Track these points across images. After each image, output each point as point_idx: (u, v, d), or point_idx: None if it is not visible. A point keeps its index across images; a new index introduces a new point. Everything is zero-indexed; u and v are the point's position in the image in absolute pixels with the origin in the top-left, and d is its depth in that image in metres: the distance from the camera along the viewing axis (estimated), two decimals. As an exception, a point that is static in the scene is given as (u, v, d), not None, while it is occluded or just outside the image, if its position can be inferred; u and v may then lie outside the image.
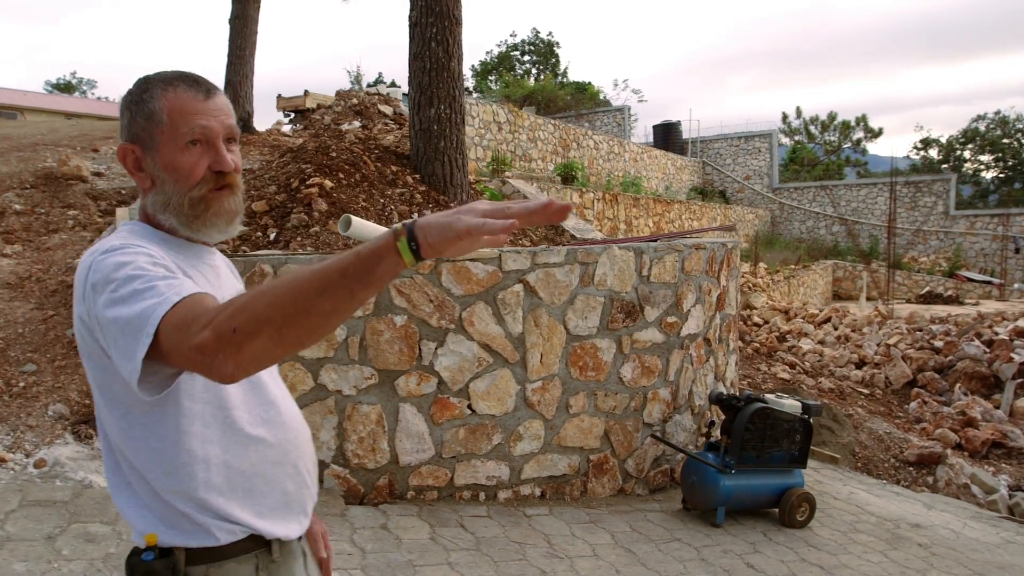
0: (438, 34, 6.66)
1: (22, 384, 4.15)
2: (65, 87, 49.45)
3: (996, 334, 9.38)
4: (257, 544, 1.22)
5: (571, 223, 9.76)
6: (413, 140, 6.92)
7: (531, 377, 4.19)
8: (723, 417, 4.48)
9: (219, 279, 1.31)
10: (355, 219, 4.11)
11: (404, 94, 20.24)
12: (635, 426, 4.56)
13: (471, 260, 4.01)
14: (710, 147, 28.04)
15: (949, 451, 6.52)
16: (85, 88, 51.01)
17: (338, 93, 14.51)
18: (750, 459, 4.28)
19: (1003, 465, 6.80)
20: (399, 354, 3.94)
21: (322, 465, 3.92)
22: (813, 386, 8.01)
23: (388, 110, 14.00)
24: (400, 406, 3.96)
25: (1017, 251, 21.37)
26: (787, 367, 8.70)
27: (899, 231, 23.94)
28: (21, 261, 5.60)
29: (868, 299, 18.18)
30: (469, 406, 4.07)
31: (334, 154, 6.32)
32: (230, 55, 13.01)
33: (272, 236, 5.31)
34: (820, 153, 33.40)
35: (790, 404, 4.53)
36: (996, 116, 29.68)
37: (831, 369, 9.31)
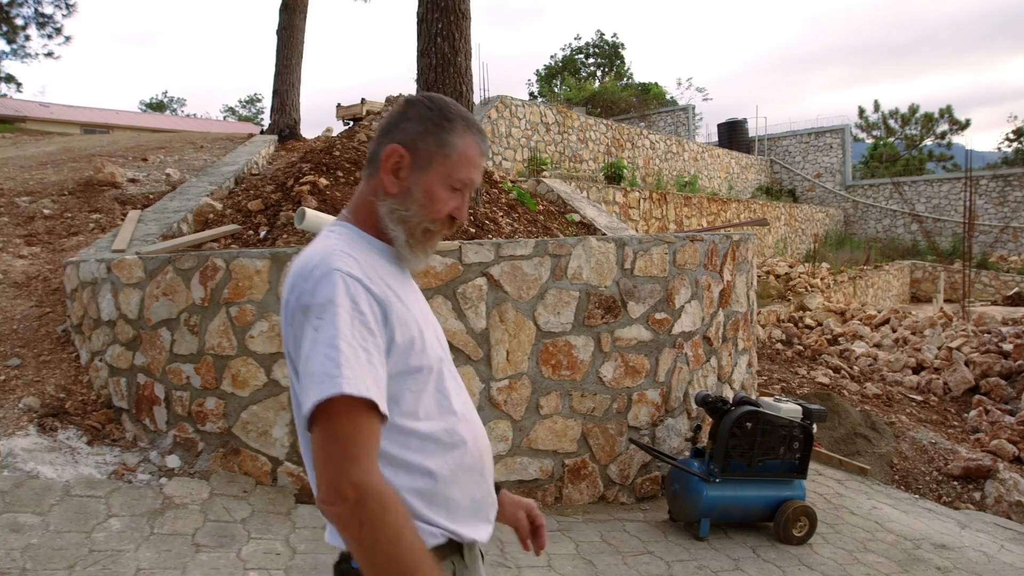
0: (444, 29, 6.53)
1: (3, 377, 4.24)
2: (157, 106, 52.38)
3: (1074, 337, 8.49)
4: (451, 548, 1.27)
5: (604, 222, 9.47)
6: (421, 137, 6.81)
7: (496, 375, 3.98)
8: (710, 421, 4.14)
9: (416, 296, 1.36)
10: (309, 212, 4.02)
11: (483, 103, 20.43)
12: (618, 429, 4.27)
13: (429, 252, 3.84)
14: (778, 144, 26.95)
15: (1002, 465, 5.88)
16: (176, 106, 53.90)
17: (387, 99, 14.67)
18: (738, 467, 3.92)
19: (1068, 481, 6.08)
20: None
21: (274, 462, 3.83)
22: (856, 391, 7.43)
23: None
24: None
25: (1121, 248, 19.48)
26: (831, 371, 8.12)
27: (985, 228, 22.30)
28: (35, 262, 5.79)
29: (947, 301, 16.97)
30: (429, 405, 3.89)
31: (337, 153, 6.28)
32: (277, 65, 13.35)
33: (262, 234, 5.29)
34: (901, 148, 31.60)
35: (788, 408, 4.14)
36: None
37: (883, 374, 8.64)
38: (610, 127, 17.98)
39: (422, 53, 6.71)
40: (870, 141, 32.84)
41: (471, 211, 6.29)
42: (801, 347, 8.92)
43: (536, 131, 15.48)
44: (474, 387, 3.92)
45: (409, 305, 1.26)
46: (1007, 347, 8.65)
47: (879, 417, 6.55)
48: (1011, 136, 29.24)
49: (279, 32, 13.30)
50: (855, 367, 8.77)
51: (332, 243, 1.23)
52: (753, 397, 4.89)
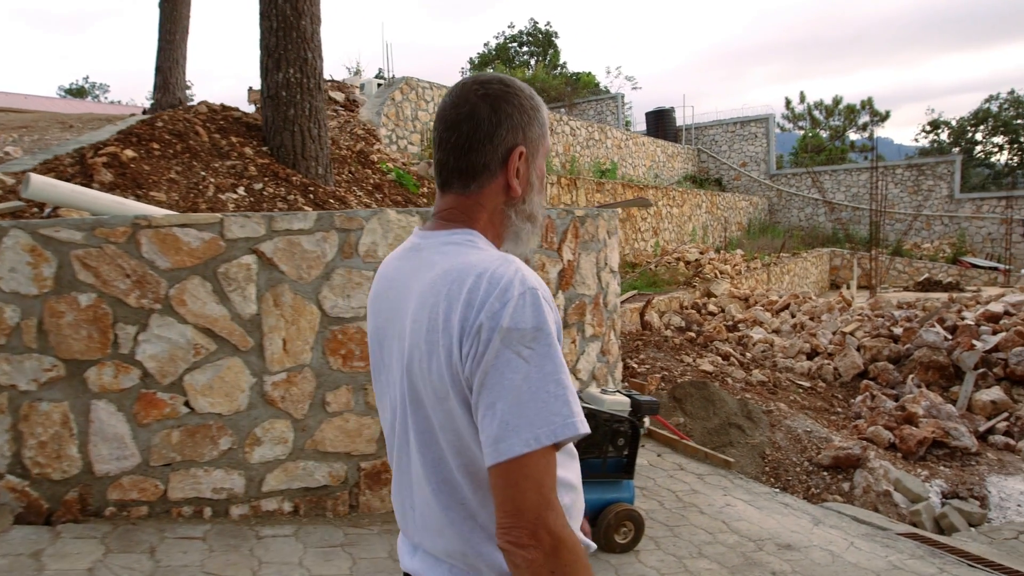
0: (285, -12, 5.92)
1: None
2: (78, 92, 49.76)
3: (963, 319, 8.39)
4: None
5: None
6: (263, 109, 6.20)
7: (271, 368, 3.42)
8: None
9: None
10: (36, 179, 3.38)
11: (380, 83, 19.59)
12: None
13: (181, 226, 3.26)
14: (705, 134, 26.97)
15: (873, 453, 5.61)
16: (98, 92, 51.29)
17: None
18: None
19: (941, 468, 5.88)
20: (87, 340, 3.19)
21: (-12, 479, 3.20)
22: (741, 379, 7.13)
23: (340, 96, 13.38)
24: (92, 403, 3.21)
25: (1025, 235, 20.06)
26: (720, 358, 7.82)
27: (901, 216, 22.71)
28: None
29: (863, 287, 17.12)
30: (186, 403, 3.31)
31: (160, 124, 5.61)
32: (160, 40, 12.39)
33: (47, 212, 4.60)
34: (829, 140, 32.07)
35: (614, 401, 3.70)
36: (1010, 96, 28.13)
37: (775, 360, 8.40)
38: (527, 112, 17.51)
39: (263, 15, 6.08)
40: (799, 132, 33.28)
41: (311, 190, 5.72)
42: (694, 334, 8.61)
43: (446, 115, 14.88)
44: (243, 382, 3.37)
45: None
46: (898, 331, 8.51)
47: (756, 406, 6.23)
48: (927, 128, 29.96)
49: (161, 5, 12.37)
50: (748, 354, 8.51)
51: (500, 254, 1.13)
52: (593, 388, 4.45)
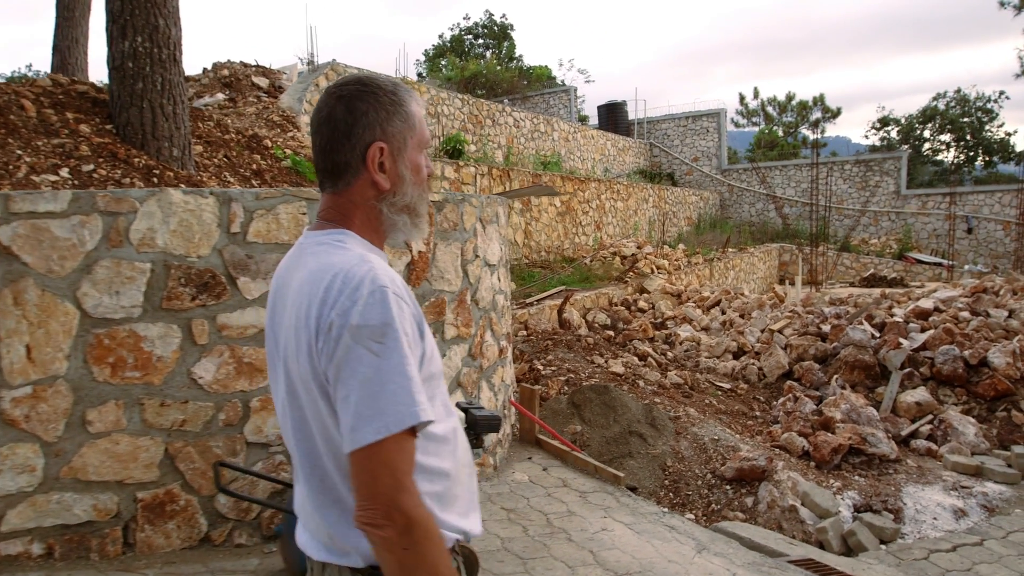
0: (131, -57, 5.23)
1: None
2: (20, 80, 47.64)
3: (892, 316, 8.03)
4: (453, 550, 1.25)
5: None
6: (109, 82, 5.50)
7: (12, 381, 2.79)
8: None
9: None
10: None
11: (311, 70, 18.75)
12: (228, 448, 3.16)
13: None
14: (657, 128, 26.64)
15: (780, 464, 5.15)
16: (42, 81, 49.15)
17: (214, 65, 13.11)
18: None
19: (856, 478, 5.45)
20: None
21: None
22: (655, 381, 6.64)
23: (264, 82, 12.68)
24: None
25: (969, 231, 20.09)
26: (637, 358, 7.33)
27: (848, 211, 22.64)
28: None
29: (811, 283, 16.89)
30: None
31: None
32: (58, 17, 11.53)
33: None
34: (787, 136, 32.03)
35: (448, 414, 3.13)
36: (956, 95, 28.34)
37: (698, 360, 7.95)
38: (466, 102, 16.91)
39: (109, -26, 5.39)
40: (754, 130, 33.21)
41: (156, 174, 5.05)
42: (613, 333, 8.11)
43: (377, 103, 14.21)
44: (-31, 400, 2.72)
45: (418, 307, 1.23)
46: (827, 329, 8.12)
47: (663, 412, 5.74)
48: (877, 125, 30.08)
49: (60, -21, 11.48)
50: (671, 353, 8.04)
51: (359, 254, 1.18)
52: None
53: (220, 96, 11.91)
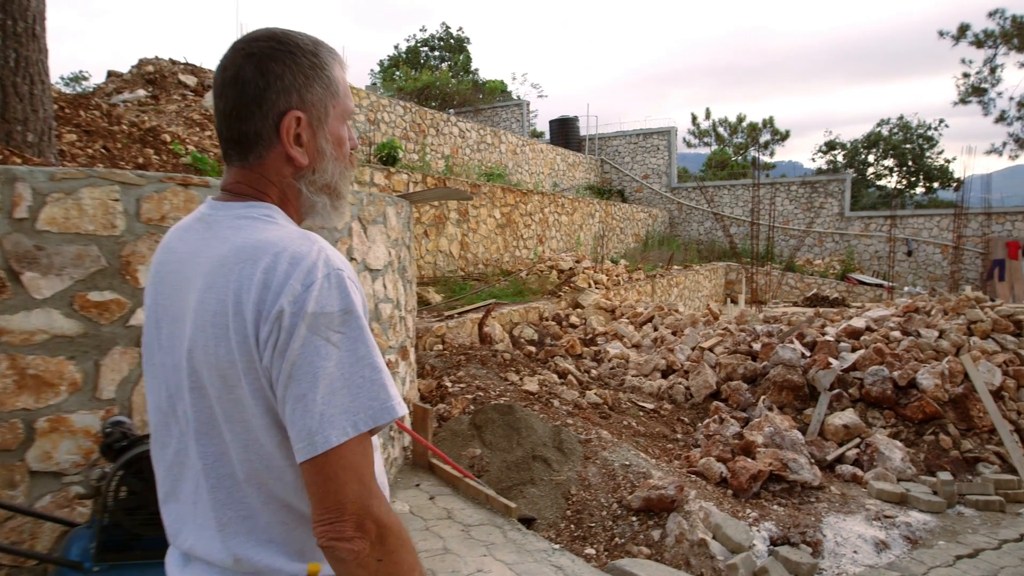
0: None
1: None
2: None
3: (824, 335, 7.78)
4: None
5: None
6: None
7: None
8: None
9: None
10: None
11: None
12: (4, 479, 2.60)
13: None
14: (608, 144, 26.56)
15: (693, 493, 4.74)
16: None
17: (140, 61, 12.45)
18: (132, 544, 2.34)
19: (775, 507, 5.08)
20: None
21: None
22: (571, 401, 6.21)
23: (192, 80, 12.07)
24: None
25: (909, 253, 20.34)
26: (557, 376, 6.90)
27: (794, 232, 22.78)
28: None
29: (756, 302, 16.79)
30: None
31: None
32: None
33: None
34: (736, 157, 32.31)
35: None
36: (899, 122, 28.97)
37: (624, 378, 7.56)
38: (408, 110, 16.47)
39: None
40: (706, 151, 33.45)
41: (21, 163, 4.44)
42: (534, 349, 7.68)
43: (312, 106, 13.66)
44: None
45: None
46: (758, 347, 7.82)
47: (572, 434, 5.30)
48: (824, 149, 30.58)
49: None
50: (595, 371, 7.64)
51: (299, 231, 1.04)
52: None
53: (141, 92, 11.28)
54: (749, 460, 5.31)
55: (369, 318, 3.17)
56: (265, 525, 1.03)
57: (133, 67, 12.47)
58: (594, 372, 7.52)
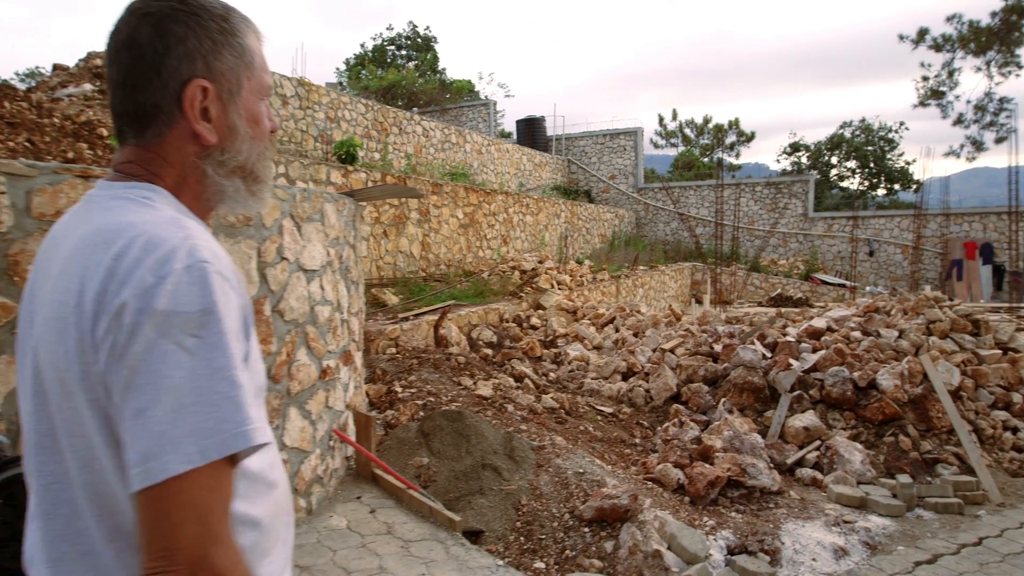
0: None
1: None
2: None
3: (785, 336, 7.69)
4: None
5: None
6: None
7: None
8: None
9: None
10: None
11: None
12: None
13: None
14: (575, 145, 26.47)
15: (648, 502, 4.57)
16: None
17: (88, 55, 11.97)
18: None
19: (732, 514, 4.93)
20: None
21: None
22: (526, 406, 6.01)
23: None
24: None
25: (871, 254, 20.56)
26: (513, 379, 6.69)
27: (759, 232, 22.91)
28: None
29: (722, 302, 16.79)
30: None
31: None
32: None
33: None
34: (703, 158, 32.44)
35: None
36: (861, 124, 29.39)
37: (583, 381, 7.38)
38: (370, 108, 16.15)
39: None
40: (672, 151, 33.54)
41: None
42: (491, 351, 7.47)
43: (269, 103, 13.30)
44: None
45: (248, 299, 0.94)
46: (719, 348, 7.70)
47: (524, 441, 5.09)
48: (788, 150, 30.89)
49: None
50: (554, 374, 7.45)
51: (171, 215, 0.89)
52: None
53: (87, 87, 10.81)
54: (707, 466, 5.15)
55: (301, 322, 2.87)
56: (107, 567, 0.86)
57: (81, 60, 12.02)
58: (553, 375, 7.33)
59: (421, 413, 5.40)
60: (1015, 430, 6.67)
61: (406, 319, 7.82)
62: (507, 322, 9.30)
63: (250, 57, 0.99)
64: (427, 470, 4.72)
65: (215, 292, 0.83)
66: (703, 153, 30.92)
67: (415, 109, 23.28)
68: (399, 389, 5.83)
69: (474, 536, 4.17)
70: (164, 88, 0.93)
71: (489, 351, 7.42)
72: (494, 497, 4.58)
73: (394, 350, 7.01)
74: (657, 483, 5.14)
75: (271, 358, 3.59)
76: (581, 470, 4.90)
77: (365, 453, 4.37)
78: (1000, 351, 7.35)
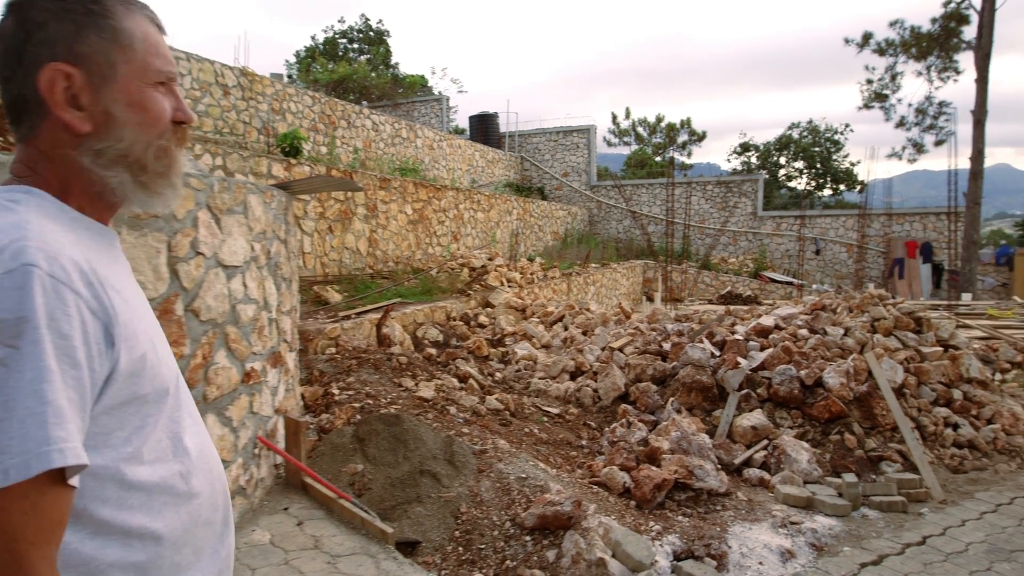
0: None
1: None
2: None
3: (734, 333, 7.64)
4: None
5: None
6: None
7: None
8: None
9: (134, 285, 1.03)
10: None
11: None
12: None
13: None
14: (528, 142, 26.35)
15: (592, 508, 4.40)
16: None
17: None
18: None
19: (679, 518, 4.80)
20: None
21: None
22: (469, 408, 5.80)
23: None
24: None
25: (817, 252, 20.93)
26: (457, 380, 6.47)
27: (710, 231, 23.14)
28: None
29: (674, 300, 16.85)
30: None
31: None
32: None
33: None
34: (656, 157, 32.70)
35: None
36: (808, 125, 30.01)
37: (530, 381, 7.21)
38: (317, 100, 15.71)
39: None
40: (626, 150, 33.72)
41: None
42: (435, 351, 7.24)
43: (209, 93, 12.79)
44: None
45: (133, 304, 0.93)
46: (668, 347, 7.62)
47: (465, 445, 4.88)
48: (738, 150, 31.34)
49: None
50: (499, 374, 7.26)
51: (20, 219, 0.84)
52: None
53: None
54: (654, 468, 5.02)
55: (220, 322, 2.60)
56: None
57: None
58: (499, 375, 7.14)
59: (358, 416, 5.14)
60: (955, 426, 6.74)
61: (348, 318, 7.53)
62: (454, 320, 9.07)
63: (127, 39, 0.94)
64: (362, 478, 4.47)
65: (35, 298, 0.78)
66: (655, 152, 31.15)
67: (365, 103, 22.80)
68: (336, 391, 5.56)
69: (410, 547, 3.95)
70: (26, 77, 0.90)
71: (433, 351, 7.18)
72: (432, 505, 4.36)
73: (334, 350, 6.72)
74: (603, 487, 4.99)
75: (184, 361, 3.30)
76: (524, 475, 4.71)
77: (293, 461, 4.10)
78: (942, 348, 7.44)
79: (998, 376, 8.77)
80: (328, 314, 7.78)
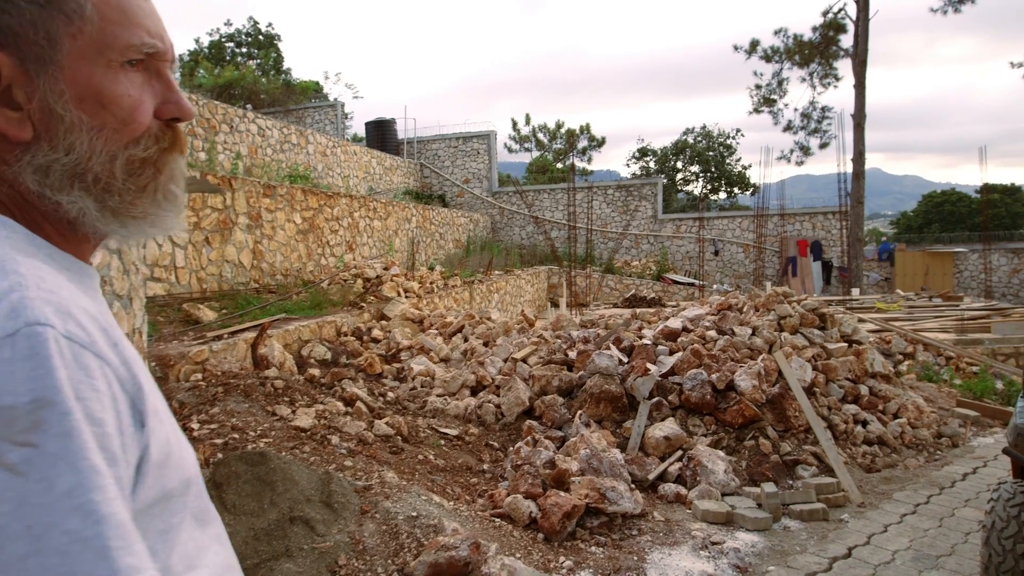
0: None
1: None
2: None
3: (641, 338, 7.28)
4: None
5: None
6: None
7: None
8: None
9: (116, 326, 0.72)
10: None
11: None
12: None
13: None
14: (428, 148, 25.68)
15: (493, 548, 3.82)
16: None
17: None
18: None
19: (593, 549, 4.29)
20: None
21: None
22: (355, 435, 5.10)
23: None
24: None
25: (716, 253, 21.31)
26: (343, 403, 5.76)
27: (612, 234, 23.18)
28: None
29: (579, 305, 16.58)
30: None
31: None
32: None
33: None
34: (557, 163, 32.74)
35: None
36: (702, 130, 30.85)
37: (426, 400, 6.57)
38: (196, 103, 14.49)
39: None
40: (526, 157, 33.62)
41: None
42: (318, 372, 6.49)
43: (63, 92, 11.43)
44: None
45: (141, 364, 0.68)
46: (574, 355, 7.16)
47: (347, 482, 4.19)
48: (637, 155, 31.83)
49: None
50: (392, 393, 6.58)
51: (1, 256, 0.62)
52: None
53: None
54: (562, 494, 4.50)
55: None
56: None
57: None
58: (392, 395, 6.47)
59: (219, 455, 4.35)
60: (865, 423, 6.61)
61: (220, 338, 6.66)
62: (345, 336, 8.31)
63: (72, 4, 0.65)
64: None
65: (54, 371, 0.54)
66: (556, 158, 31.16)
67: (249, 107, 21.52)
68: (196, 426, 4.74)
69: (273, 617, 3.24)
70: None
71: (317, 371, 6.42)
72: (304, 559, 3.65)
73: (200, 376, 5.86)
74: (506, 519, 4.42)
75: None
76: (415, 513, 4.07)
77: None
78: (846, 344, 7.34)
79: (891, 369, 8.83)
80: (196, 335, 6.87)
